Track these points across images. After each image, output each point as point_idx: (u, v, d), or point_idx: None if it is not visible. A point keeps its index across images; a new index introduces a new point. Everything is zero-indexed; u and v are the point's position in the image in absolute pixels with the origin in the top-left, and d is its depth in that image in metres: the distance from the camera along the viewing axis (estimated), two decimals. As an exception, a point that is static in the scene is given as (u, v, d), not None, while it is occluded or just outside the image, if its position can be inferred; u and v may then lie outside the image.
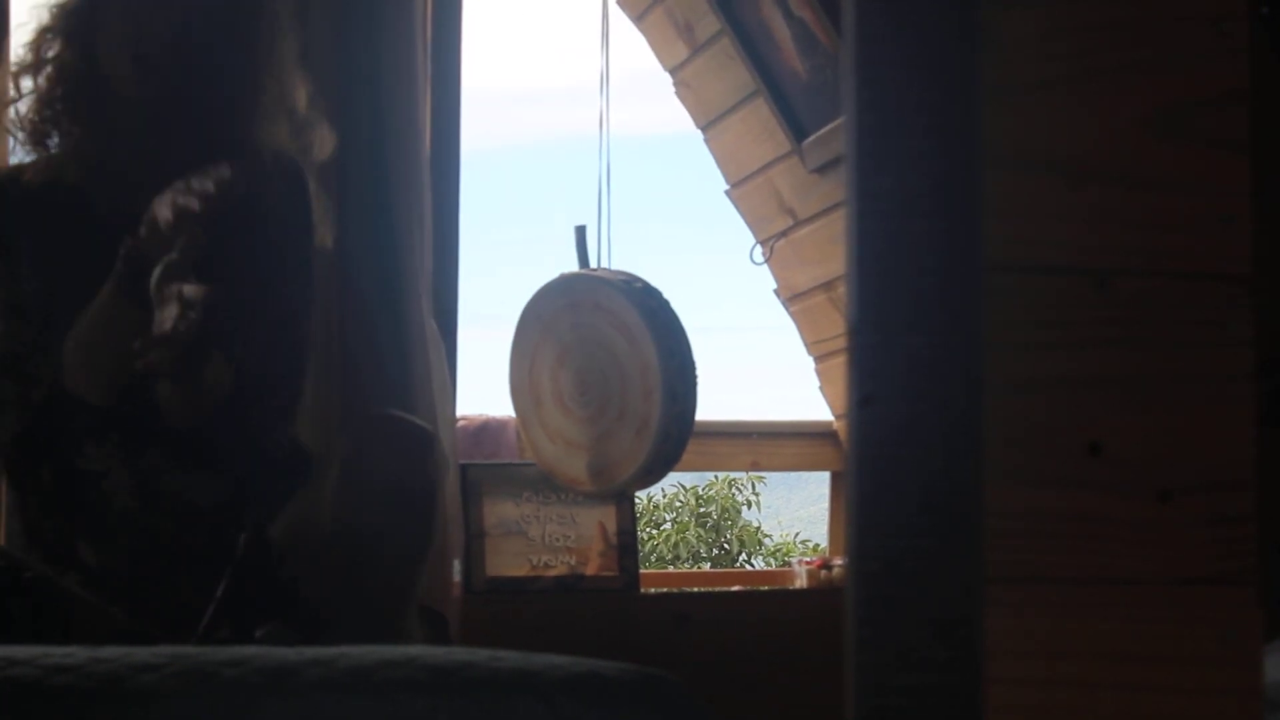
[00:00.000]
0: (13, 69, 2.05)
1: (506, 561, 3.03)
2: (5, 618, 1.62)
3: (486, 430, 3.50)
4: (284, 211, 2.05)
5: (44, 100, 2.03)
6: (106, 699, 0.83)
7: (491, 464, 3.21)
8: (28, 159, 2.08)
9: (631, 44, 3.77)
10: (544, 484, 3.03)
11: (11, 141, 2.13)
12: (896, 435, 0.82)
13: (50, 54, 2.02)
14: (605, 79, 3.24)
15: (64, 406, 1.92)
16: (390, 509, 1.77)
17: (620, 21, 3.71)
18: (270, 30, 2.07)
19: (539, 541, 3.06)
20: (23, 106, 2.04)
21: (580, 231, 2.94)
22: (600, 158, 3.16)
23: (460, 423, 3.38)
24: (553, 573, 3.05)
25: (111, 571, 1.92)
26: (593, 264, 2.93)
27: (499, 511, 3.05)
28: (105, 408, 1.92)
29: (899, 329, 0.83)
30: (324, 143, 2.15)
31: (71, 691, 0.82)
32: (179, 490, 1.92)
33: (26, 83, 2.03)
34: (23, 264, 1.99)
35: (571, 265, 2.92)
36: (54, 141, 2.05)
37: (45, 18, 2.04)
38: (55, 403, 1.92)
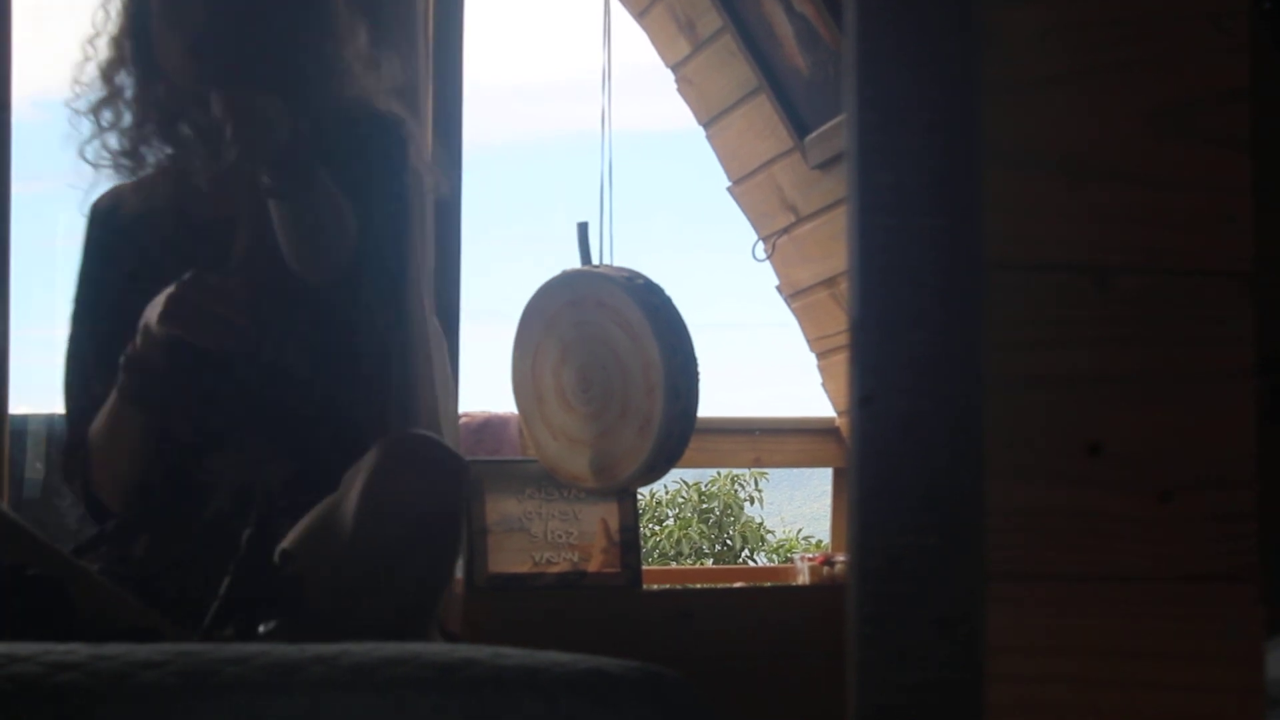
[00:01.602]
0: (86, 106, 2.05)
1: (509, 558, 3.03)
2: (8, 615, 1.62)
3: (489, 427, 3.50)
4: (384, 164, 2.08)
5: (129, 129, 2.04)
6: (108, 696, 0.83)
7: (494, 460, 3.21)
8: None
9: (633, 40, 3.77)
10: (546, 480, 3.03)
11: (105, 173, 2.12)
12: (898, 432, 0.82)
13: (119, 81, 2.03)
14: (607, 75, 3.24)
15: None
16: (413, 533, 1.71)
17: (622, 18, 3.71)
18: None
19: (541, 538, 3.06)
20: (111, 140, 2.05)
21: (582, 228, 2.94)
22: (602, 154, 3.16)
23: (463, 419, 3.38)
24: (555, 569, 3.05)
25: (154, 561, 1.92)
26: (595, 260, 2.93)
27: (501, 508, 3.05)
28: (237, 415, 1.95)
29: (900, 326, 0.83)
30: (395, 72, 2.16)
31: (73, 689, 0.82)
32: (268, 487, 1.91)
33: (107, 115, 2.04)
34: (131, 281, 2.00)
35: (573, 262, 2.92)
36: (149, 163, 2.06)
37: (103, 49, 2.04)
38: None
